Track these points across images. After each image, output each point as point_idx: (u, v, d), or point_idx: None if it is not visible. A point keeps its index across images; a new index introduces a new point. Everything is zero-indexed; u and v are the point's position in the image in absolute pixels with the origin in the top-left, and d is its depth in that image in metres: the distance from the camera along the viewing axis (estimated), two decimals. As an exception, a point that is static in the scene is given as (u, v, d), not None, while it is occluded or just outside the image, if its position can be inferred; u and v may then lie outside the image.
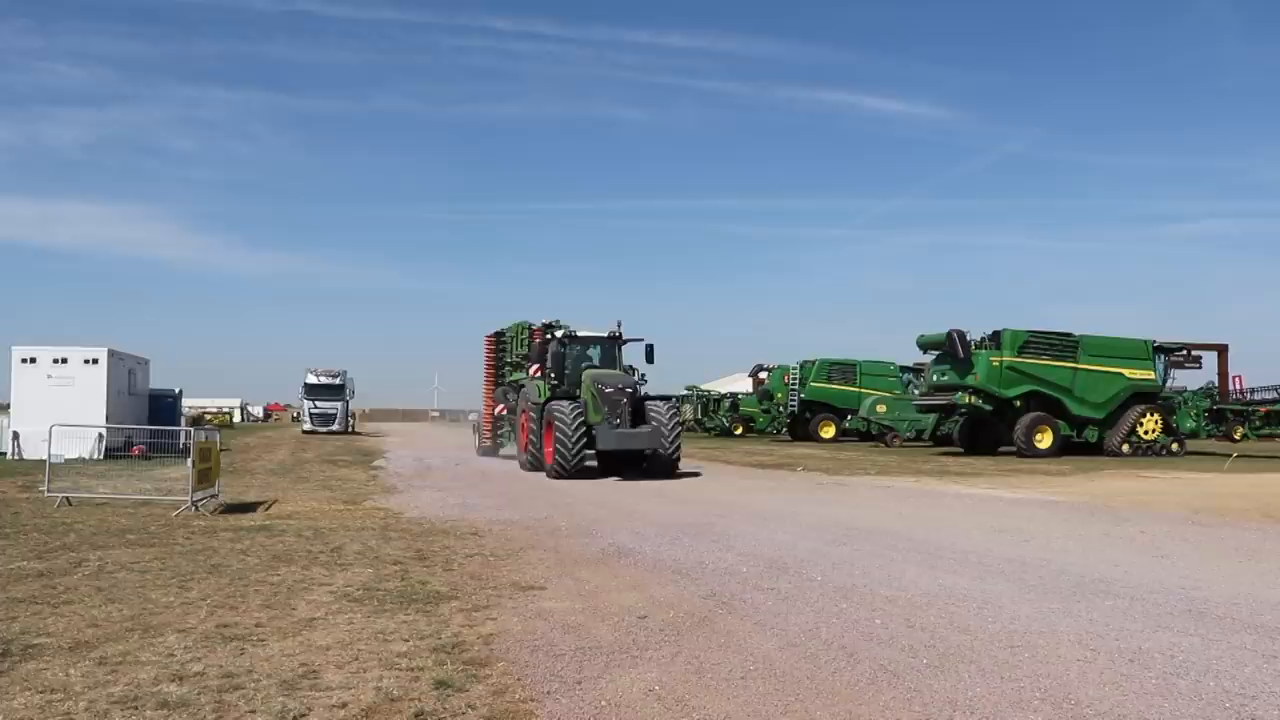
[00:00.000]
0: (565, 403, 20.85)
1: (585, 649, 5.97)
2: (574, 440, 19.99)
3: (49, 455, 15.02)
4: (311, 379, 53.83)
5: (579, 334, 23.20)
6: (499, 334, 30.36)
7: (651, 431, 20.19)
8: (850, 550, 10.16)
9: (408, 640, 6.11)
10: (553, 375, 22.69)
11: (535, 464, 22.24)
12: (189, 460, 13.66)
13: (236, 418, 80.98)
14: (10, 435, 25.59)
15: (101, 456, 24.27)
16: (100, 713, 4.68)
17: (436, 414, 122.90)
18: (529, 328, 26.90)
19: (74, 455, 22.58)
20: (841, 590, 7.90)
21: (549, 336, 23.85)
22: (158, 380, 32.76)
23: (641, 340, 23.40)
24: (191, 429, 16.81)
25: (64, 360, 26.49)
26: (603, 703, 4.93)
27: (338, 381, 54.26)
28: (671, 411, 21.09)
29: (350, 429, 55.95)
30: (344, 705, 4.82)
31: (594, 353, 23.33)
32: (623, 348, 23.27)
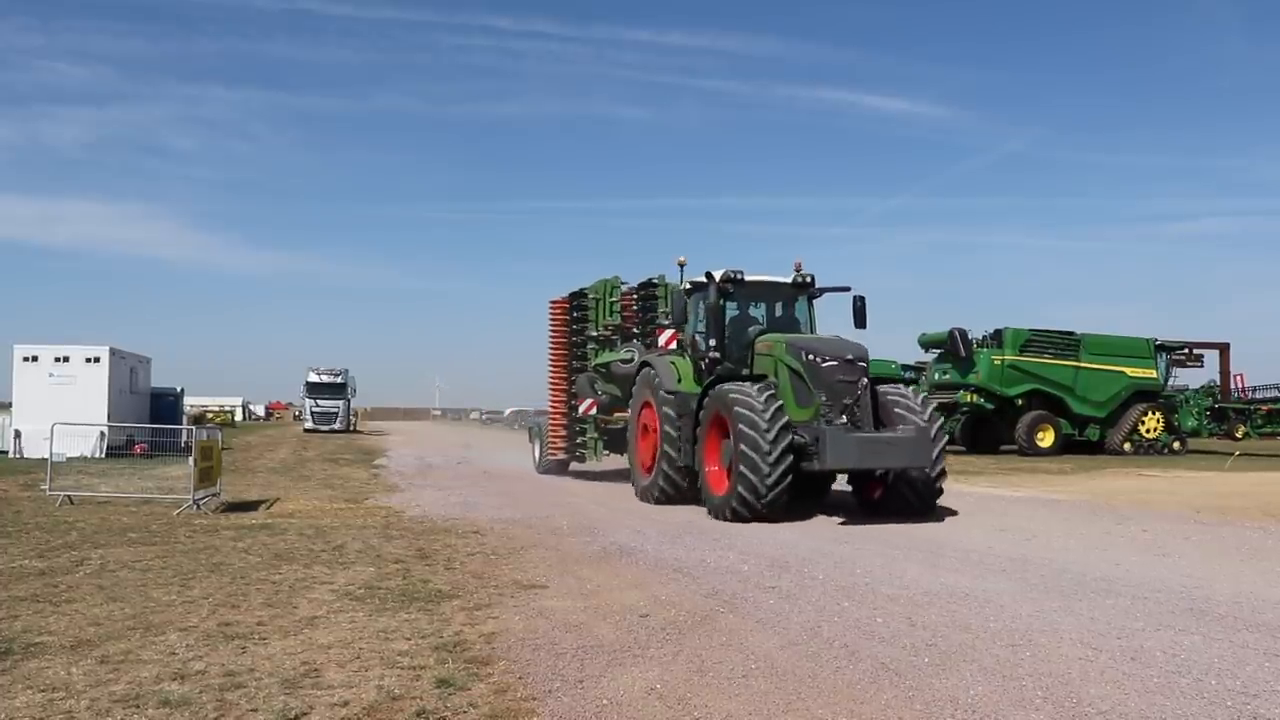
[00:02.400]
0: (750, 388, 12.75)
1: (587, 648, 5.97)
2: (775, 452, 12.00)
3: (50, 454, 15.03)
4: (313, 378, 53.85)
5: (746, 278, 14.72)
6: (577, 296, 20.23)
7: (912, 439, 12.09)
8: (851, 549, 10.16)
9: (409, 639, 6.11)
10: (707, 345, 14.32)
11: (674, 491, 14.34)
12: (190, 459, 13.67)
13: (238, 416, 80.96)
14: (12, 434, 25.62)
15: (103, 455, 24.28)
16: (102, 711, 4.69)
17: (438, 413, 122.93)
18: (619, 287, 19.86)
19: (75, 454, 22.59)
20: (843, 589, 7.90)
21: (692, 286, 15.28)
22: (159, 379, 32.79)
23: (846, 290, 14.81)
24: (193, 428, 16.83)
25: (66, 359, 26.51)
26: (604, 701, 4.92)
27: (339, 380, 54.28)
28: (928, 406, 13.08)
29: (352, 428, 55.96)
30: (345, 704, 4.82)
31: (760, 312, 15.27)
32: (813, 302, 15.18)
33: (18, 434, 25.42)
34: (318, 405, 52.92)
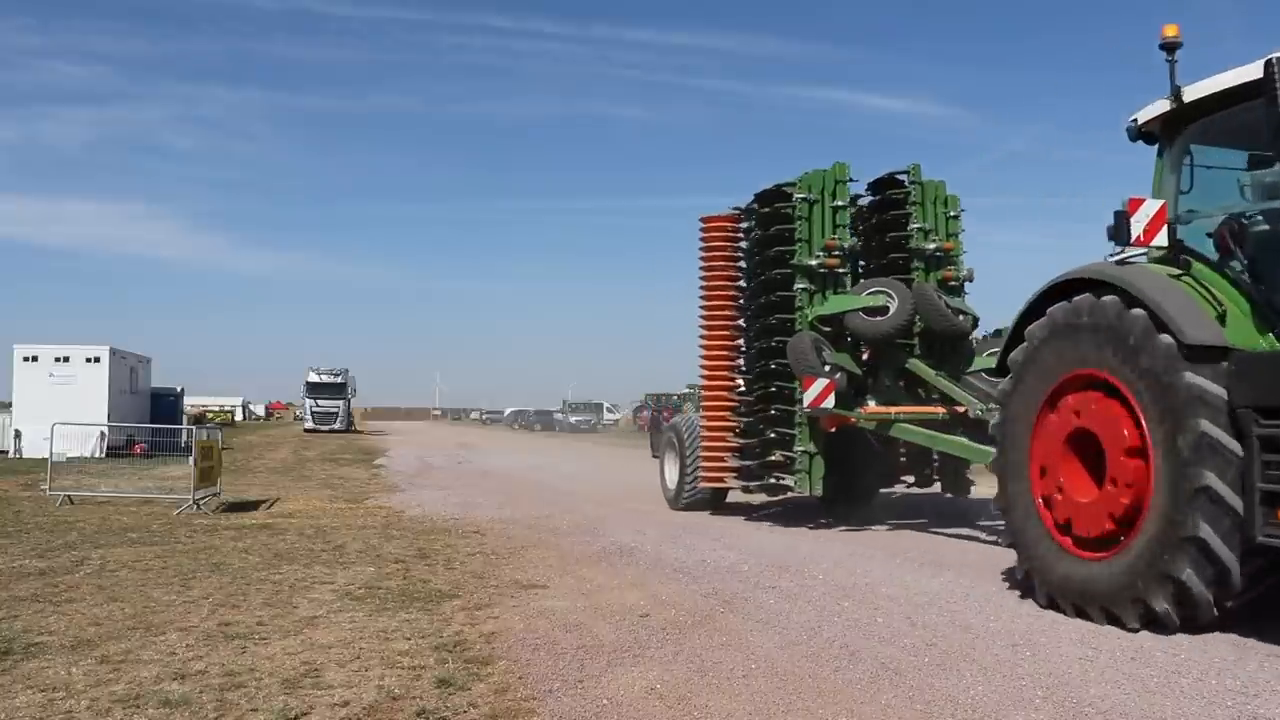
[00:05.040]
0: None
1: (587, 647, 5.96)
2: None
3: (50, 454, 15.05)
4: (313, 377, 53.91)
5: None
6: (770, 198, 12.27)
7: None
8: (852, 549, 10.16)
9: (409, 639, 6.11)
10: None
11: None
12: (191, 459, 13.68)
13: (238, 416, 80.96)
14: (12, 434, 25.63)
15: (103, 455, 24.28)
16: (102, 711, 4.68)
17: (438, 413, 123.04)
18: (846, 181, 12.14)
19: (76, 454, 22.59)
20: (843, 589, 7.90)
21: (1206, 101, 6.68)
22: (159, 378, 32.85)
23: None
24: (193, 427, 16.84)
25: (66, 359, 26.55)
26: (604, 701, 4.92)
27: (339, 380, 54.34)
28: None
29: (351, 427, 55.97)
30: (346, 704, 4.81)
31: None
32: None
33: (18, 434, 25.45)
34: (318, 405, 52.96)
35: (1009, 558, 9.55)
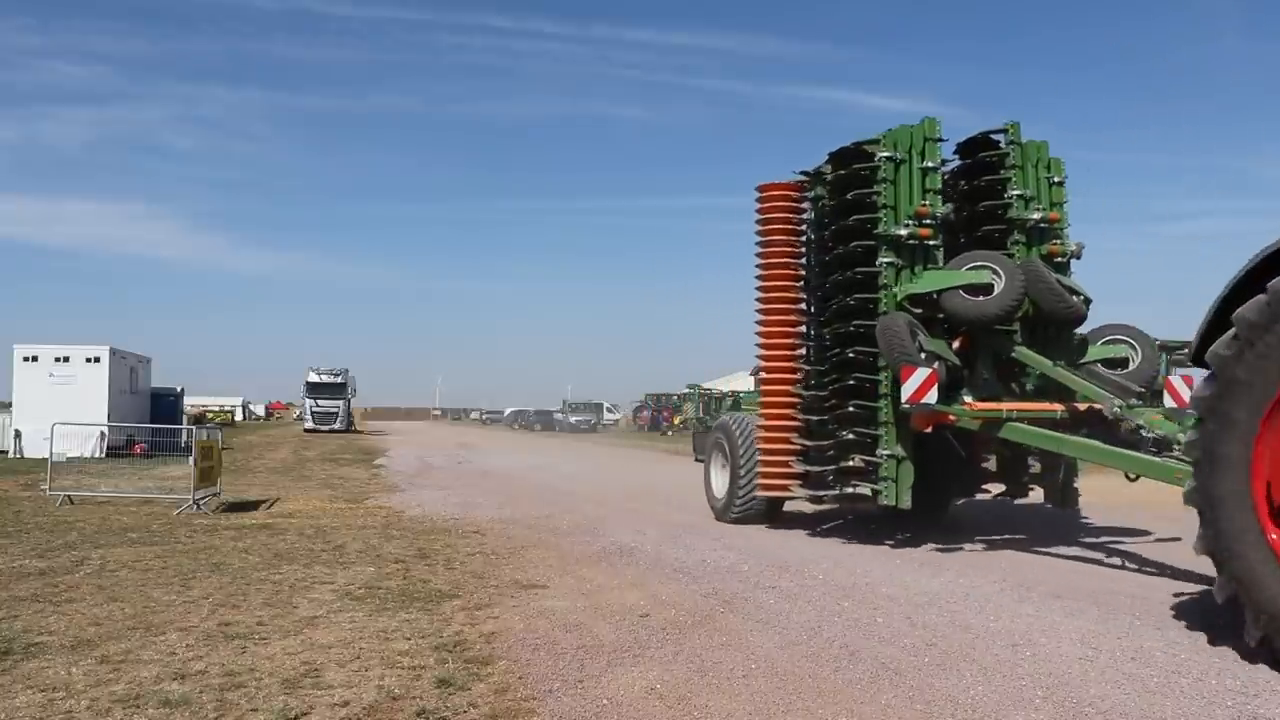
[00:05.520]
0: None
1: (587, 647, 5.96)
2: None
3: (50, 454, 15.03)
4: (313, 377, 53.88)
5: None
6: (845, 158, 10.75)
7: None
8: (852, 549, 10.15)
9: (409, 639, 6.11)
10: None
11: None
12: (191, 459, 13.67)
13: (238, 416, 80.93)
14: (12, 434, 25.62)
15: (103, 455, 24.28)
16: (102, 711, 4.68)
17: (438, 413, 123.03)
18: (937, 140, 10.61)
19: (76, 454, 22.59)
20: (843, 589, 7.90)
21: None
22: (159, 378, 32.81)
23: None
24: (193, 427, 16.83)
25: (66, 359, 26.53)
26: (604, 701, 4.92)
27: (339, 380, 54.31)
28: None
29: (352, 427, 55.96)
30: (346, 704, 4.81)
31: None
32: None
33: (18, 434, 25.43)
34: (318, 405, 52.94)
35: (1009, 558, 9.55)
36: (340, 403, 53.55)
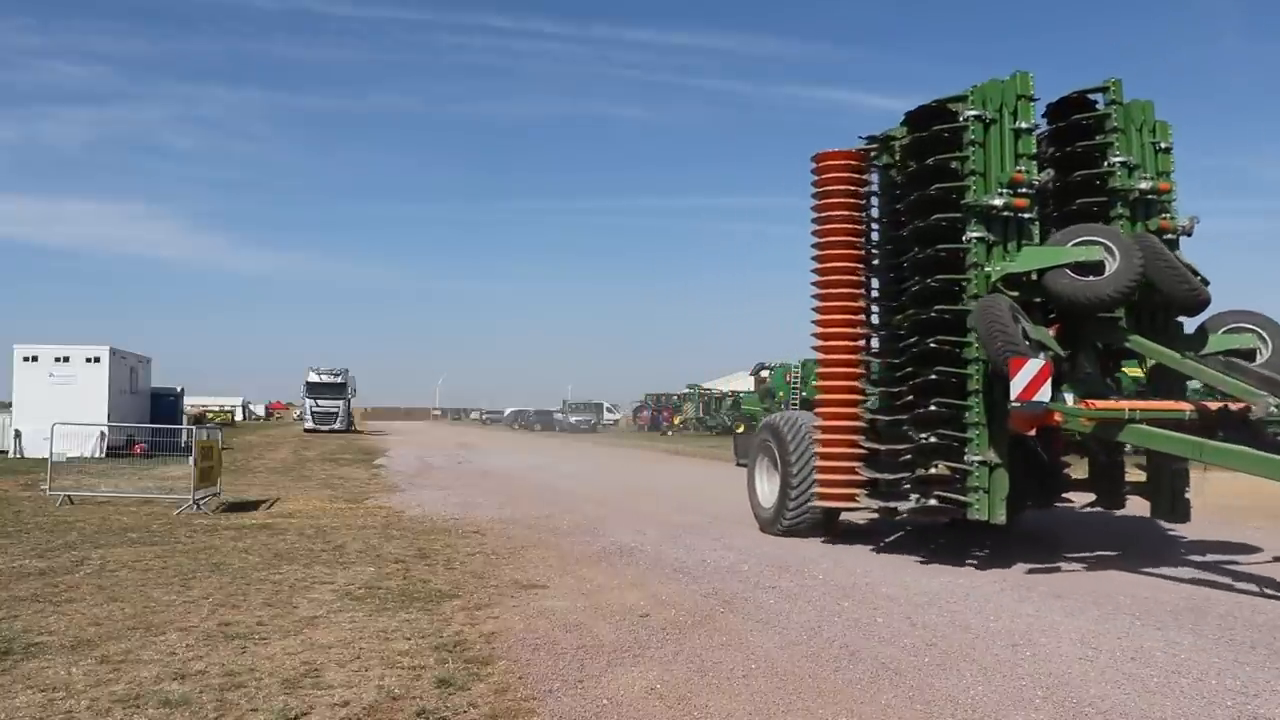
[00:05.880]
0: None
1: (587, 647, 5.97)
2: None
3: (51, 454, 15.03)
4: (313, 377, 53.88)
5: None
6: (933, 115, 9.57)
7: None
8: (851, 549, 10.15)
9: (409, 639, 6.11)
10: None
11: None
12: (191, 459, 13.67)
13: (238, 416, 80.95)
14: (12, 434, 25.62)
15: (103, 455, 24.27)
16: (102, 711, 4.68)
17: (438, 413, 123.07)
18: (1032, 98, 9.51)
19: (76, 454, 22.58)
20: (843, 589, 7.90)
21: None
22: (159, 379, 32.81)
23: None
24: (193, 427, 16.83)
25: (66, 359, 26.54)
26: (604, 701, 4.92)
27: (339, 380, 54.31)
28: None
29: (352, 427, 55.96)
30: (346, 704, 4.82)
31: None
32: None
33: (18, 434, 25.42)
34: (318, 405, 52.94)
35: (1009, 558, 9.55)
36: (340, 403, 53.55)
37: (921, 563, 9.17)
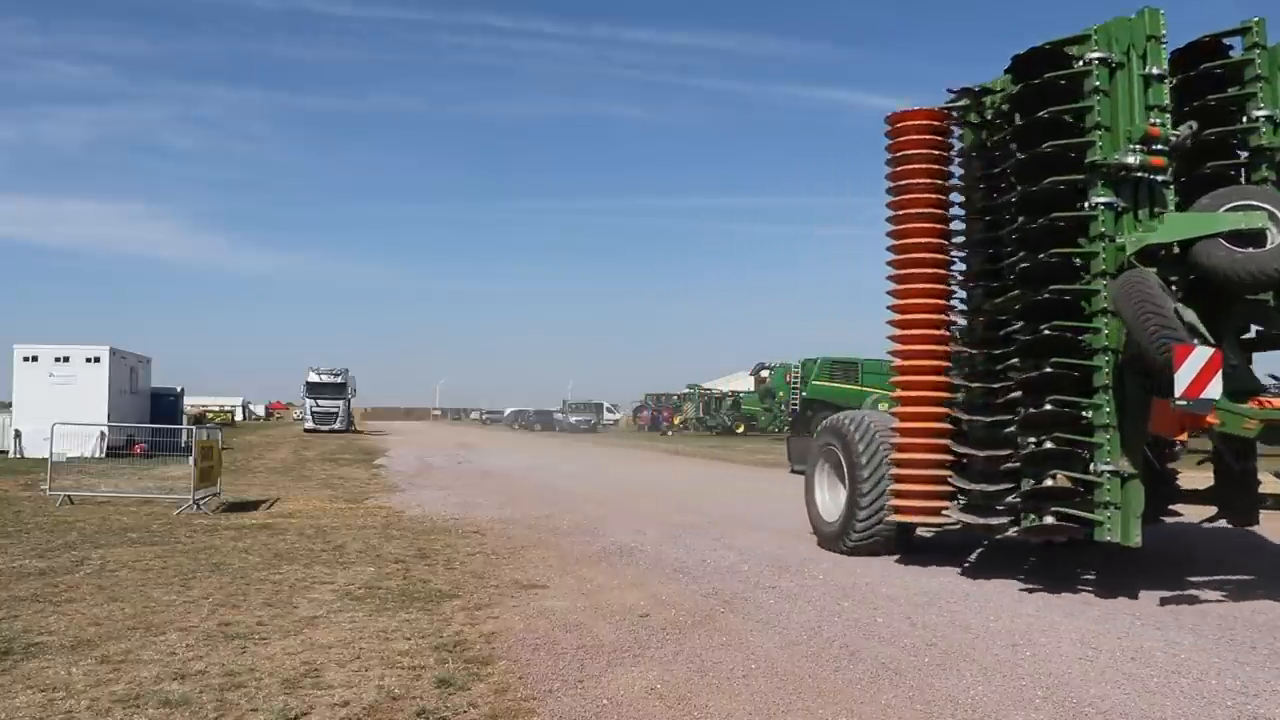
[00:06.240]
0: None
1: (587, 647, 5.97)
2: None
3: (50, 454, 15.03)
4: (313, 377, 53.89)
5: None
6: (1045, 60, 8.07)
7: None
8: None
9: (409, 639, 6.11)
10: None
11: None
12: (191, 459, 13.67)
13: (238, 416, 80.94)
14: (12, 434, 25.62)
15: (103, 455, 24.28)
16: (102, 711, 4.68)
17: (438, 413, 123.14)
18: (1163, 39, 7.88)
19: (76, 454, 22.57)
20: (843, 589, 7.90)
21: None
22: (159, 379, 32.82)
23: None
24: (193, 427, 16.83)
25: (66, 359, 26.54)
26: (604, 701, 4.92)
27: (339, 380, 54.33)
28: None
29: (352, 428, 55.97)
30: (346, 704, 4.81)
31: None
32: None
33: (18, 434, 25.42)
34: (318, 405, 52.95)
35: (1007, 558, 9.55)
36: (340, 403, 53.57)
37: (921, 563, 9.17)
